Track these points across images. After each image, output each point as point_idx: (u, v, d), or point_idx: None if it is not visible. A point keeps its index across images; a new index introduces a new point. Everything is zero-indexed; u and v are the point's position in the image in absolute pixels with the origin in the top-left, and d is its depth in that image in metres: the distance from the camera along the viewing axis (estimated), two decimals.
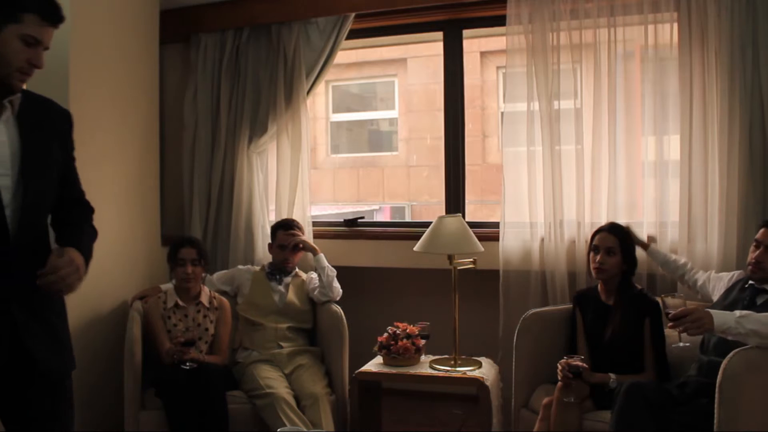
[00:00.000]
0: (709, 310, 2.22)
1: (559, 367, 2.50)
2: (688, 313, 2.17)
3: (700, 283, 2.76)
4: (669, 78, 3.09)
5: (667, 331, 2.53)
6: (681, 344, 2.25)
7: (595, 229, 2.85)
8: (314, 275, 3.29)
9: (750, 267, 2.46)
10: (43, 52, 1.62)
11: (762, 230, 2.47)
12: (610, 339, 2.64)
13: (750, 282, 2.49)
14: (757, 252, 2.44)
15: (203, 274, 3.20)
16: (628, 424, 2.27)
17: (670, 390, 2.37)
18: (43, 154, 1.68)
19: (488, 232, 3.34)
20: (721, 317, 2.17)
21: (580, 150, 3.22)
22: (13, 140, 1.63)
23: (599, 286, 2.78)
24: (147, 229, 3.58)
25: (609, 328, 2.66)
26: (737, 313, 2.18)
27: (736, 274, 2.63)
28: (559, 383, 2.50)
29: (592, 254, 2.77)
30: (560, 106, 3.24)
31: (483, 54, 6.48)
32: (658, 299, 2.36)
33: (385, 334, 3.04)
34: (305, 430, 2.52)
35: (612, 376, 2.55)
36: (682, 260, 2.86)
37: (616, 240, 2.72)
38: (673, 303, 2.25)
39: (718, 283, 2.68)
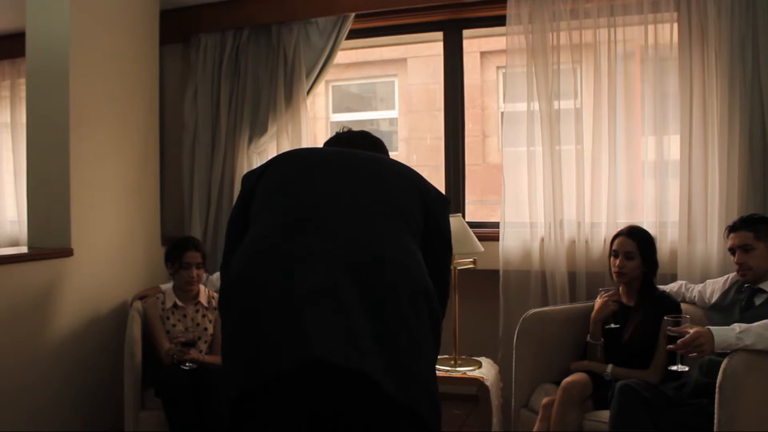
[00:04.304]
0: (710, 327, 2.22)
1: (603, 298, 2.71)
2: (691, 340, 2.17)
3: (697, 297, 2.77)
4: (669, 78, 3.09)
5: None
6: (679, 368, 2.24)
7: (614, 233, 2.83)
8: None
9: (739, 272, 2.51)
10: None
11: (730, 237, 2.54)
12: (628, 339, 2.65)
13: (746, 284, 2.51)
14: (736, 256, 2.50)
15: (204, 275, 3.20)
16: (626, 423, 2.27)
17: (664, 391, 2.38)
18: None
19: (488, 232, 3.34)
20: (722, 335, 2.18)
21: (580, 150, 3.22)
22: None
23: (621, 287, 2.79)
24: (147, 229, 3.58)
25: (628, 328, 2.66)
26: (736, 328, 2.19)
27: (731, 276, 2.64)
28: (600, 303, 2.71)
29: (612, 258, 2.78)
30: (560, 106, 3.24)
31: (483, 54, 6.48)
32: (665, 318, 2.35)
33: None
34: None
35: (609, 368, 2.59)
36: (676, 287, 2.86)
37: (634, 244, 2.71)
38: (675, 327, 2.24)
39: (714, 287, 2.70)
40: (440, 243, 1.61)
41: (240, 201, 1.63)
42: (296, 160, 1.64)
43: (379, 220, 1.44)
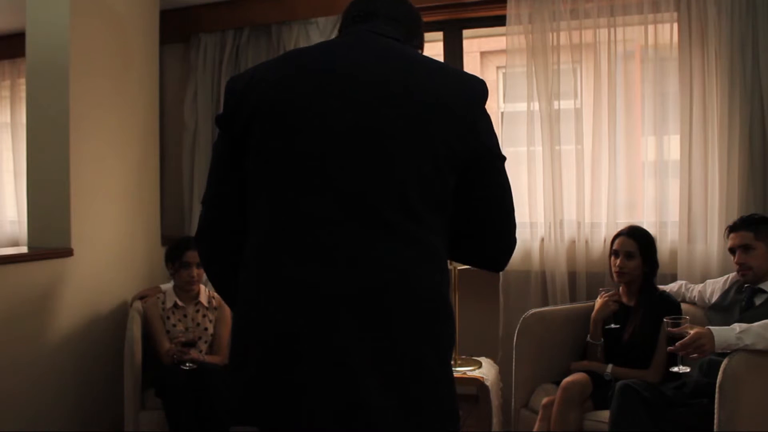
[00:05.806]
0: (710, 327, 2.22)
1: (604, 298, 2.71)
2: (691, 341, 2.17)
3: (697, 297, 2.77)
4: (669, 78, 3.09)
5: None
6: (680, 369, 2.25)
7: (614, 233, 2.83)
8: None
9: (739, 272, 2.51)
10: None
11: (730, 237, 2.54)
12: (628, 339, 2.65)
13: (746, 284, 2.51)
14: (737, 256, 2.50)
15: (204, 274, 3.20)
16: (626, 423, 2.27)
17: (664, 391, 2.38)
18: None
19: None
20: (722, 335, 2.18)
21: (580, 150, 3.22)
22: None
23: (621, 287, 2.79)
24: (147, 229, 3.58)
25: (629, 328, 2.66)
26: (737, 327, 2.19)
27: (731, 276, 2.64)
28: (601, 302, 2.71)
29: (612, 258, 2.78)
30: (560, 106, 3.24)
31: (483, 54, 6.48)
32: (665, 320, 2.35)
33: None
34: None
35: (609, 368, 2.60)
36: (676, 287, 2.86)
37: (635, 244, 2.71)
38: (675, 329, 2.24)
39: (714, 286, 2.70)
40: (486, 159, 1.35)
41: (224, 144, 1.31)
42: (291, 122, 1.24)
43: (383, 229, 1.23)
